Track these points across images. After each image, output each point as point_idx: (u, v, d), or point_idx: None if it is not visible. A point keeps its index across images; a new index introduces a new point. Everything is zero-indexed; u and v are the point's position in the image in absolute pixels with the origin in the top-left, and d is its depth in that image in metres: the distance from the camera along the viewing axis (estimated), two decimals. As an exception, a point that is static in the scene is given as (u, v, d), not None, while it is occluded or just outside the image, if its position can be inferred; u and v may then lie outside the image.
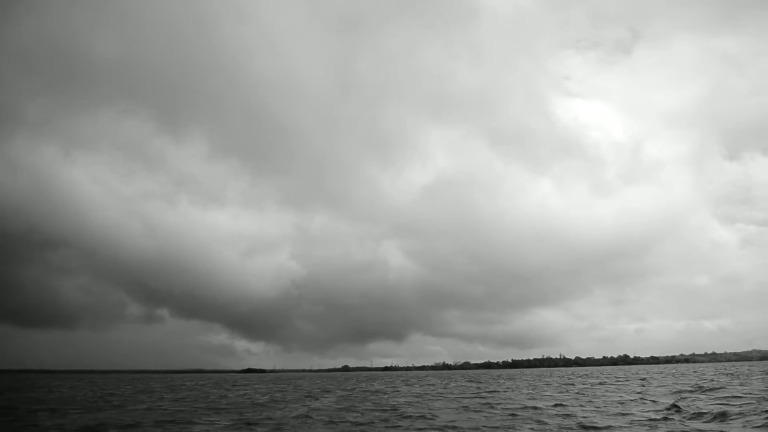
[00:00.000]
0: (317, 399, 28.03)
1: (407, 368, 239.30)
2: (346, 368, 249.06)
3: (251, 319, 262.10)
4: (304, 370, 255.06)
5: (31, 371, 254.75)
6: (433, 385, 36.08)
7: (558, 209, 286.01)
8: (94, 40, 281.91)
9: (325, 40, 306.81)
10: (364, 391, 30.25)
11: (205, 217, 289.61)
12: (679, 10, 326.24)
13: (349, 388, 35.87)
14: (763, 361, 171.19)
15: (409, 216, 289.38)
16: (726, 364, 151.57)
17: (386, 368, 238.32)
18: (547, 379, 43.32)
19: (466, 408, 19.45)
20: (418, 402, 20.46)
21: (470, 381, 39.64)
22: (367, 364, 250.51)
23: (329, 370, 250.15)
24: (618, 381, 35.74)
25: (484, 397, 23.72)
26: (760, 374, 30.67)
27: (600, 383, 30.82)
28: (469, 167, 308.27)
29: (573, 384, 30.77)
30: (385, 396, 26.22)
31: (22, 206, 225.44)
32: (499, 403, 19.21)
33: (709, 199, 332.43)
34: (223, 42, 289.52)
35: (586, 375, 58.81)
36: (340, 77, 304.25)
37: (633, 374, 47.57)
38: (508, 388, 27.57)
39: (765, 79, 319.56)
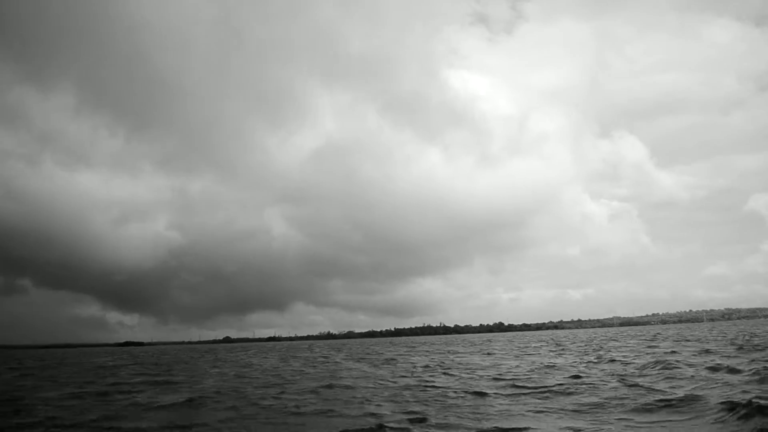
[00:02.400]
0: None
1: (291, 338, 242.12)
2: (227, 339, 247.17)
3: (125, 290, 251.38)
4: (183, 342, 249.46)
5: None
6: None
7: (445, 179, 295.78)
8: None
9: None
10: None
11: (73, 179, 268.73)
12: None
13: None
14: (624, 327, 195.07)
15: (294, 182, 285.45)
16: (593, 330, 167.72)
17: (270, 338, 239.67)
18: (456, 347, 44.25)
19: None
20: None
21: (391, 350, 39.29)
22: (249, 335, 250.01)
23: (210, 342, 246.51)
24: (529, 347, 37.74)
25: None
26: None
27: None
28: (358, 133, 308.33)
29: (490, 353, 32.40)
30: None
31: None
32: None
33: (582, 175, 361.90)
34: None
35: (487, 341, 60.38)
36: (228, 30, 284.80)
37: (538, 341, 50.30)
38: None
39: (640, 62, 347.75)
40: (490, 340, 75.07)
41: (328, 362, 31.45)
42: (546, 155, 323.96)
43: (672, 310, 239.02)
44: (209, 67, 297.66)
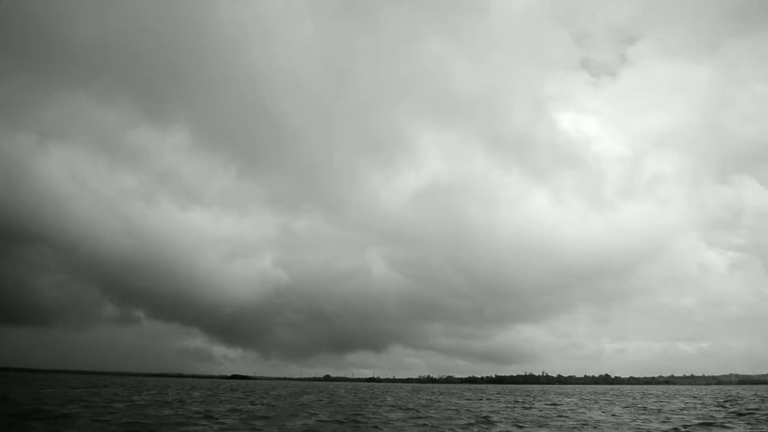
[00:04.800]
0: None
1: (390, 380, 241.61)
2: (327, 378, 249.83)
3: (230, 325, 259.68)
4: (285, 378, 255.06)
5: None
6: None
7: (551, 223, 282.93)
8: (73, 16, 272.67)
9: (321, 31, 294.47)
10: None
11: (186, 217, 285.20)
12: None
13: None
14: (742, 386, 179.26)
15: (397, 222, 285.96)
16: (710, 387, 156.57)
17: (370, 379, 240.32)
18: (599, 396, 42.94)
19: None
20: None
21: (515, 397, 39.10)
22: (348, 375, 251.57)
23: (311, 379, 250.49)
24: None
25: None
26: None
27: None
28: (463, 174, 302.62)
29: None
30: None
31: None
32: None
33: (699, 221, 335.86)
34: (215, 25, 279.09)
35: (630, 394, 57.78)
36: (336, 72, 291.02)
37: (648, 395, 47.75)
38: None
39: (757, 104, 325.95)
40: (646, 394, 71.48)
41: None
42: (661, 200, 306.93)
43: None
44: (318, 108, 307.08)
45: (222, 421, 20.24)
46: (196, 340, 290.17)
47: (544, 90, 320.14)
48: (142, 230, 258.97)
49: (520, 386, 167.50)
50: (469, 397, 47.77)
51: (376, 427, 19.34)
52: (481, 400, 42.83)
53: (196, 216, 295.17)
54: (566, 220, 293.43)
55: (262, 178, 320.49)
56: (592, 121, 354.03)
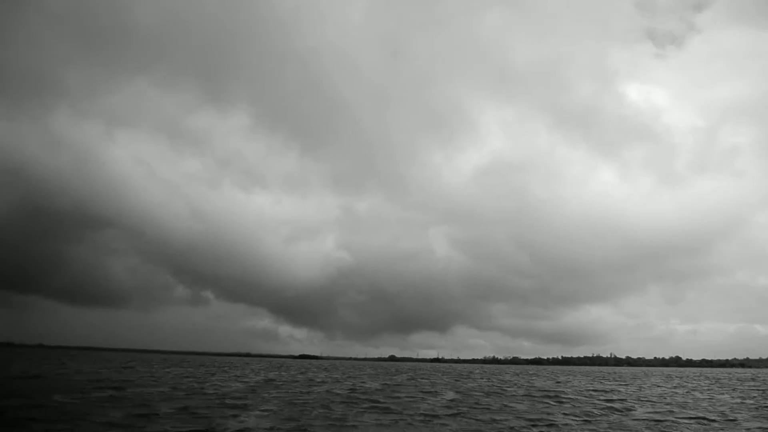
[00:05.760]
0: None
1: (454, 361, 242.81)
2: (392, 358, 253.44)
3: (295, 305, 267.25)
4: (352, 358, 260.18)
5: (79, 348, 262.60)
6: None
7: (619, 199, 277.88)
8: (131, 3, 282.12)
9: (374, 5, 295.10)
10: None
11: (248, 199, 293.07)
12: None
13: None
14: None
15: (459, 201, 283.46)
16: None
17: (434, 360, 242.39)
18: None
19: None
20: None
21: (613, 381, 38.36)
22: (412, 355, 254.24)
23: (376, 359, 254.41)
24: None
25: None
26: None
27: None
28: (527, 150, 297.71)
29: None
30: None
31: (67, 184, 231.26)
32: None
33: None
34: (270, 7, 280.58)
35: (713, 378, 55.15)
36: (391, 47, 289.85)
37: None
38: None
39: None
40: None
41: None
42: (737, 173, 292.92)
43: None
44: (375, 85, 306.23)
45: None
46: (263, 321, 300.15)
47: (609, 61, 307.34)
48: (207, 213, 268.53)
49: (601, 368, 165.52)
50: (589, 380, 47.92)
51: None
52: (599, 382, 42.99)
53: (258, 198, 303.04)
54: (635, 196, 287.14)
55: (322, 158, 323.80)
56: (660, 92, 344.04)
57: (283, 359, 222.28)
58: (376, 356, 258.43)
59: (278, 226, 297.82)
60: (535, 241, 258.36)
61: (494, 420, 16.87)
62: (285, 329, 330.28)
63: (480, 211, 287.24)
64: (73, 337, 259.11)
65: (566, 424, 16.25)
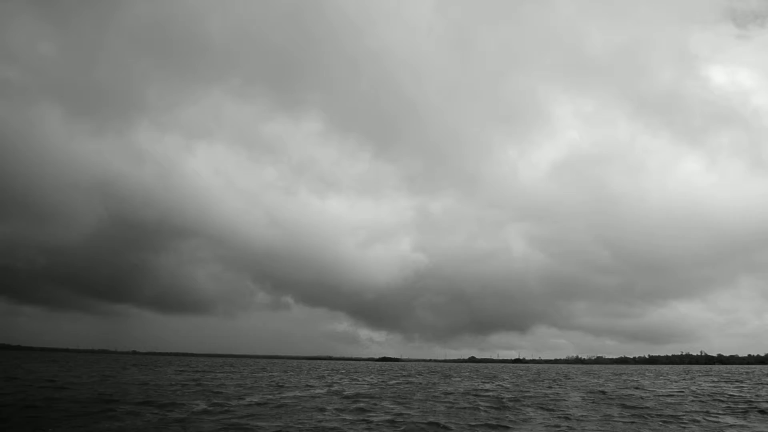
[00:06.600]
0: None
1: (536, 361, 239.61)
2: (472, 359, 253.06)
3: (374, 308, 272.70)
4: (432, 360, 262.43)
5: (169, 354, 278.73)
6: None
7: (706, 188, 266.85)
8: (201, 16, 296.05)
9: (441, 1, 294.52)
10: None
11: (324, 205, 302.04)
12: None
13: None
14: None
15: (536, 197, 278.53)
16: None
17: (516, 360, 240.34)
18: None
19: None
20: None
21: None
22: (492, 356, 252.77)
23: (456, 361, 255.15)
24: None
25: None
26: None
27: None
28: (605, 141, 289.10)
29: None
30: None
31: (151, 196, 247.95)
32: None
33: None
34: (337, 11, 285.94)
35: None
36: (460, 43, 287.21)
37: None
38: None
39: None
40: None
41: None
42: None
43: None
44: (444, 81, 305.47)
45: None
46: (343, 324, 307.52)
47: (689, 44, 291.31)
48: (284, 220, 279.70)
49: (693, 366, 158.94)
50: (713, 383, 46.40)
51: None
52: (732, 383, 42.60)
53: (333, 203, 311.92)
54: (723, 184, 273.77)
55: (395, 159, 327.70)
56: (747, 73, 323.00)
57: (365, 362, 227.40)
58: (455, 357, 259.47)
59: (354, 230, 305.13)
60: (617, 236, 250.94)
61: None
62: (364, 332, 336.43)
63: (558, 207, 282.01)
64: (164, 344, 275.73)
65: None
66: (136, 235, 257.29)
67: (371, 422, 15.28)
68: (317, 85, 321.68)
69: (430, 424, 15.19)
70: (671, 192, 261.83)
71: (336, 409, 18.42)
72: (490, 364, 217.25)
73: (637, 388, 33.06)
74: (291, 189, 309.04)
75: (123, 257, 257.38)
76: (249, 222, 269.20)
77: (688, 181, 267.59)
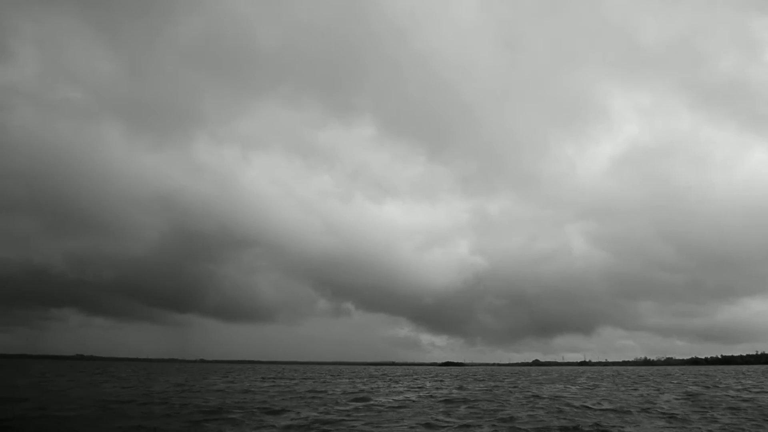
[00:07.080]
0: None
1: (602, 363, 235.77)
2: (536, 362, 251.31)
3: (434, 313, 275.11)
4: (495, 364, 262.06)
5: (234, 362, 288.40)
6: None
7: None
8: (252, 28, 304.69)
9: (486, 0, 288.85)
10: None
11: (380, 210, 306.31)
12: None
13: None
14: None
15: (595, 195, 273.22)
16: None
17: (582, 363, 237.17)
18: None
19: None
20: None
21: None
22: (557, 359, 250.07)
23: (520, 364, 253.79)
24: None
25: None
26: None
27: None
28: (666, 134, 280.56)
29: None
30: None
31: (211, 208, 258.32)
32: None
33: None
34: (383, 16, 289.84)
35: None
36: (508, 41, 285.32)
37: None
38: None
39: None
40: None
41: None
42: None
43: None
44: (497, 81, 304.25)
45: None
46: (404, 329, 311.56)
47: (750, 29, 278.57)
48: (341, 227, 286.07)
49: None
50: None
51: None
52: None
53: (389, 208, 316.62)
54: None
55: (449, 161, 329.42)
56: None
57: (428, 367, 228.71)
58: (519, 361, 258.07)
59: (411, 234, 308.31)
60: (682, 232, 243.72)
61: None
62: (426, 337, 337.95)
63: (619, 204, 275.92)
64: (229, 352, 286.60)
65: None
66: (197, 246, 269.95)
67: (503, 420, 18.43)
68: (367, 90, 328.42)
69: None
70: (738, 183, 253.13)
71: (442, 411, 21.44)
72: (555, 367, 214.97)
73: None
74: (347, 195, 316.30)
75: (187, 268, 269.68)
76: (306, 230, 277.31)
77: (756, 171, 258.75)
